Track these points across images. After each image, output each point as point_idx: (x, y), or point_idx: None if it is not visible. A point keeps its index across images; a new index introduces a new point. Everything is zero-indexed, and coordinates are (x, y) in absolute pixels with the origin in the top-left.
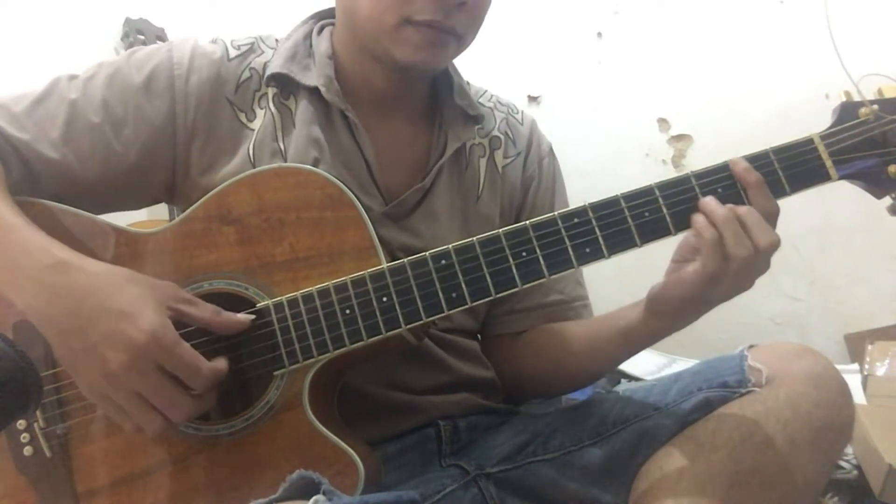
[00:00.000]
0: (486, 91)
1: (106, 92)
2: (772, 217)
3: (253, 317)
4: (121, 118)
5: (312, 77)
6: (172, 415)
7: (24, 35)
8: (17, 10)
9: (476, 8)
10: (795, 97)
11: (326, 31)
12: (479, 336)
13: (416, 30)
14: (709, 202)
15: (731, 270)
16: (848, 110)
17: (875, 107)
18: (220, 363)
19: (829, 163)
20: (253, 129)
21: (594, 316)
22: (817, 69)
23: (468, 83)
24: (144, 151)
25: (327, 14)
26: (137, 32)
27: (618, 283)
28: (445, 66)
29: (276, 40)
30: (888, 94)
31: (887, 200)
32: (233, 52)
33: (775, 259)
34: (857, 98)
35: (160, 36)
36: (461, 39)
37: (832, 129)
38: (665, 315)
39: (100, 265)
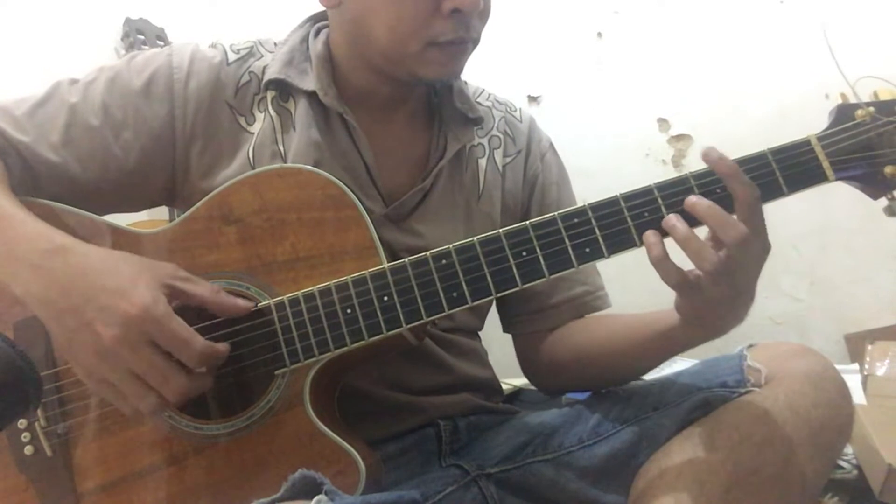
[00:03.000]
0: (483, 90)
1: (106, 96)
2: (756, 202)
3: (252, 304)
4: (120, 122)
5: (310, 81)
6: (166, 392)
7: (24, 35)
8: (17, 10)
9: (485, 12)
10: (795, 97)
11: (323, 33)
12: (480, 335)
13: (441, 50)
14: (667, 221)
15: (708, 281)
16: (844, 112)
17: (871, 109)
18: (222, 345)
19: (826, 164)
20: (252, 133)
21: (630, 314)
22: (818, 69)
23: (465, 82)
24: (143, 155)
25: (324, 16)
26: (137, 32)
27: (620, 283)
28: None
29: (275, 44)
30: (884, 97)
31: (883, 201)
32: (232, 57)
33: (775, 259)
34: (853, 100)
35: (160, 36)
36: (475, 42)
37: (829, 131)
38: (690, 322)
39: (97, 249)
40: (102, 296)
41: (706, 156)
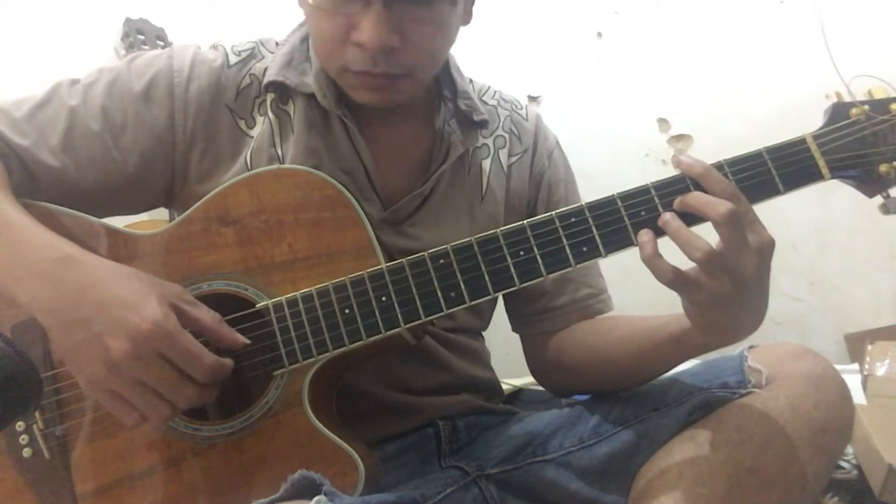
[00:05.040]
0: (489, 88)
1: (105, 99)
2: (734, 197)
3: (249, 341)
4: (120, 126)
5: (308, 83)
6: (177, 401)
7: (24, 35)
8: (17, 10)
9: (417, 47)
10: (795, 97)
11: None
12: (482, 335)
13: (355, 77)
14: (662, 218)
15: (704, 273)
16: (839, 111)
17: (866, 107)
18: (227, 360)
19: (821, 162)
20: (252, 137)
21: (641, 317)
22: (818, 69)
23: (471, 80)
24: (143, 159)
25: None
26: (137, 32)
27: (622, 284)
28: (408, 101)
29: (276, 43)
30: (878, 95)
31: (878, 199)
32: (233, 59)
33: (775, 259)
34: (848, 99)
35: (160, 36)
36: (412, 76)
37: (824, 129)
38: (700, 326)
39: (105, 261)
40: (113, 309)
41: (678, 165)
